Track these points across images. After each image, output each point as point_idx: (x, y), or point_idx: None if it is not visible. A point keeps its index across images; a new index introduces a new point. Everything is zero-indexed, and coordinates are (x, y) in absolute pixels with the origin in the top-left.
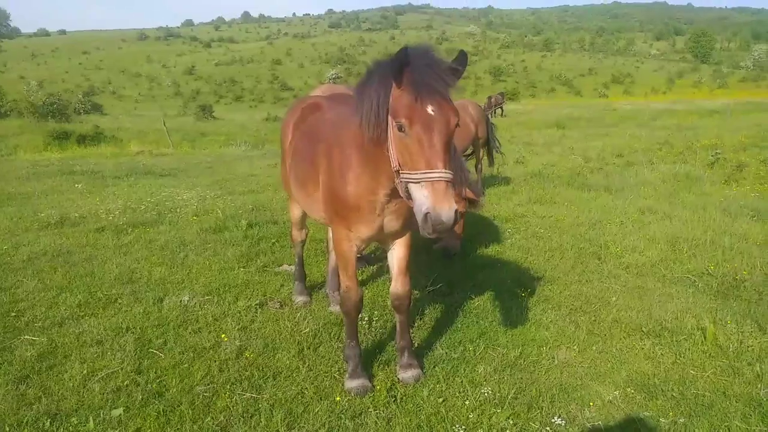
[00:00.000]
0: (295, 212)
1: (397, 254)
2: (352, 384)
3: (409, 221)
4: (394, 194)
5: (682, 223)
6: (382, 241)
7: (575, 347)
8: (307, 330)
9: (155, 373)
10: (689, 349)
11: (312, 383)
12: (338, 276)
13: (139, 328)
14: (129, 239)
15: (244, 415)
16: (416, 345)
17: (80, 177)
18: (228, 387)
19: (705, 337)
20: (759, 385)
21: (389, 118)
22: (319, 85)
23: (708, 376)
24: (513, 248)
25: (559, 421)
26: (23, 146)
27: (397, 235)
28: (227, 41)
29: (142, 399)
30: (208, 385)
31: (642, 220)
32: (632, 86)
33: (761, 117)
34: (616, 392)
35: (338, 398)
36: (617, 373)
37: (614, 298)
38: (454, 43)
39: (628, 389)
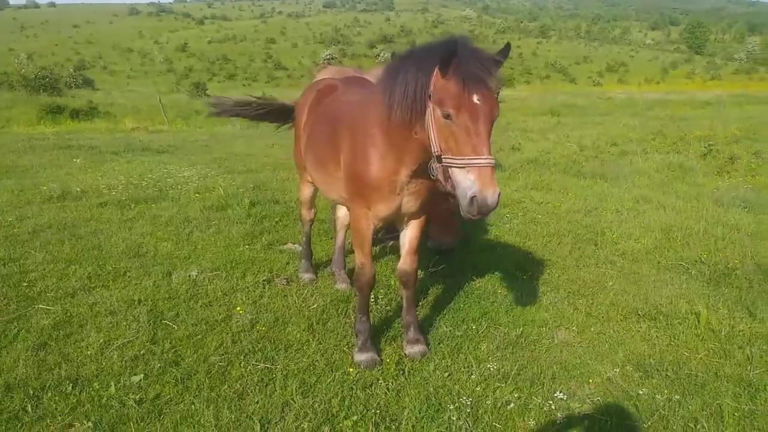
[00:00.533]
0: (306, 192)
1: (409, 234)
2: (361, 357)
3: (425, 203)
4: (415, 175)
5: (675, 212)
6: (397, 220)
7: (574, 328)
8: (315, 306)
9: (170, 343)
10: (683, 332)
11: (322, 356)
12: (344, 254)
13: (151, 301)
14: (133, 214)
15: (259, 384)
16: (421, 323)
17: (77, 152)
18: (242, 357)
19: (699, 321)
20: (748, 367)
21: (430, 104)
22: (327, 66)
23: (701, 357)
24: (511, 233)
25: (561, 396)
26: (16, 119)
27: (413, 215)
28: (220, 18)
29: (159, 367)
30: (222, 355)
31: (637, 209)
32: (626, 75)
33: (753, 109)
34: (615, 370)
35: (350, 370)
36: (614, 353)
37: (611, 283)
38: (449, 26)
39: (626, 368)
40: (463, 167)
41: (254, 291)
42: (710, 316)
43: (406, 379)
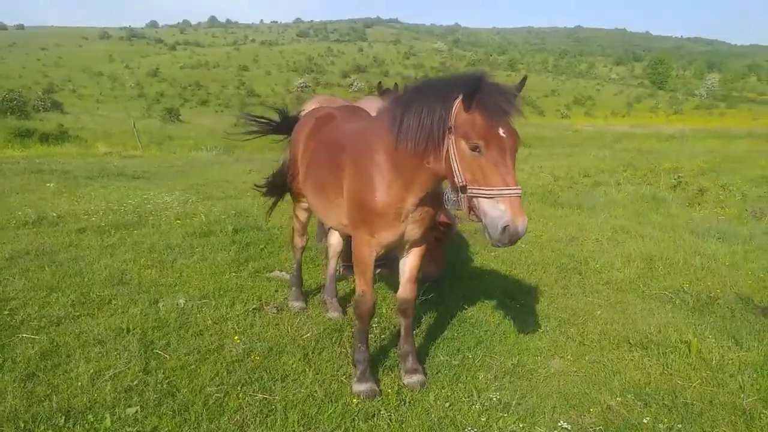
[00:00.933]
0: (300, 218)
1: (410, 262)
2: (360, 387)
3: (427, 230)
4: (420, 203)
5: (654, 242)
6: (399, 248)
7: (569, 357)
8: (309, 335)
9: (163, 373)
10: (675, 361)
11: (321, 386)
12: (336, 282)
13: (140, 330)
14: (113, 240)
15: (259, 415)
16: (417, 352)
17: (49, 176)
18: (239, 388)
19: (690, 350)
20: (741, 395)
21: (451, 136)
22: (316, 95)
23: (695, 386)
24: (497, 261)
25: (565, 425)
26: None
27: (415, 243)
28: (193, 44)
29: (155, 399)
30: (219, 386)
31: (616, 238)
32: (593, 108)
33: (715, 143)
34: (614, 399)
35: (354, 400)
36: (611, 381)
37: (598, 312)
38: (421, 58)
39: (625, 396)
40: (492, 197)
41: (245, 320)
42: (701, 345)
43: (407, 409)
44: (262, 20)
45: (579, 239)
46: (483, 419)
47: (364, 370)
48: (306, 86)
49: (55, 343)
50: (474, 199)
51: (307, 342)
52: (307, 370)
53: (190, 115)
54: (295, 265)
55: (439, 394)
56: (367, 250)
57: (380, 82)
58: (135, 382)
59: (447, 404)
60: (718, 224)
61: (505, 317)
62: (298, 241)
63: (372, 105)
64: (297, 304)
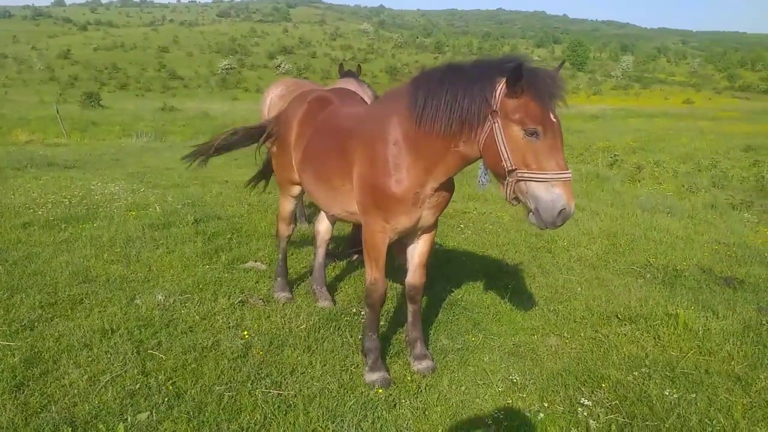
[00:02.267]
0: (287, 207)
1: (420, 248)
2: (373, 377)
3: (438, 215)
4: (440, 188)
5: (610, 219)
6: (411, 234)
7: (565, 334)
8: (305, 326)
9: (164, 374)
10: (665, 333)
11: (332, 377)
12: (324, 270)
13: (125, 329)
14: (66, 235)
15: (279, 411)
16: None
17: None
18: (249, 385)
19: (677, 322)
20: (732, 363)
21: (497, 119)
22: (280, 80)
23: (689, 356)
24: (468, 243)
25: (586, 402)
26: None
27: (427, 228)
28: (106, 25)
29: (164, 402)
30: (227, 384)
31: (574, 216)
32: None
33: (638, 122)
34: (619, 374)
35: (379, 390)
36: (610, 356)
37: (579, 289)
38: (348, 39)
39: (629, 370)
40: (547, 182)
41: (233, 314)
42: (687, 317)
43: (426, 396)
44: (179, 0)
45: None
46: (503, 401)
47: (376, 358)
48: (231, 68)
49: (35, 349)
50: (523, 183)
51: (305, 333)
52: (313, 362)
53: (111, 100)
54: (280, 255)
55: (452, 378)
56: (381, 237)
57: (341, 64)
58: (137, 386)
59: (462, 388)
60: (665, 200)
61: (494, 298)
62: (284, 230)
63: (347, 87)
64: (283, 295)
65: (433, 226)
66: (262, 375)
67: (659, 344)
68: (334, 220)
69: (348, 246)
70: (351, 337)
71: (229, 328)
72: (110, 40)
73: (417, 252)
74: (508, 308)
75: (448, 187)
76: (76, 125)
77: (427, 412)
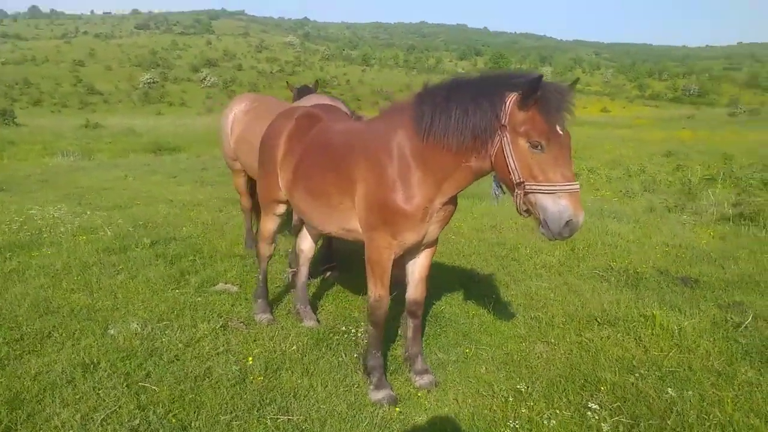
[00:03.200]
0: (270, 227)
1: (421, 262)
2: (379, 395)
3: (442, 229)
4: (448, 203)
5: None
6: (415, 248)
7: (551, 340)
8: (296, 347)
9: (162, 408)
10: (644, 334)
11: (338, 399)
12: (306, 290)
13: (107, 362)
14: (14, 264)
15: None
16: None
17: None
18: (255, 412)
19: (654, 323)
20: (711, 359)
21: (505, 134)
22: (242, 95)
23: (671, 355)
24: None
25: (594, 406)
26: None
27: (430, 243)
28: (13, 37)
29: None
30: (232, 413)
31: (528, 224)
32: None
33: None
34: (613, 376)
35: (396, 409)
36: (598, 359)
37: (552, 295)
38: (273, 52)
39: (621, 372)
40: (554, 193)
41: (218, 339)
42: (662, 318)
43: (438, 410)
44: (93, 11)
45: (497, 227)
46: (513, 411)
47: (381, 376)
48: (154, 82)
49: (12, 390)
50: (531, 195)
51: (299, 355)
52: (314, 384)
53: (25, 117)
54: (260, 276)
55: (457, 392)
56: (387, 253)
57: (288, 82)
58: (136, 421)
59: (469, 400)
60: (608, 205)
61: (476, 308)
62: (266, 250)
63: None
64: (265, 317)
65: (436, 241)
66: (266, 401)
67: (641, 345)
68: (317, 238)
69: (320, 264)
70: (345, 356)
71: (218, 354)
72: (19, 54)
73: (418, 266)
74: (491, 318)
75: (453, 200)
76: None
77: (441, 427)
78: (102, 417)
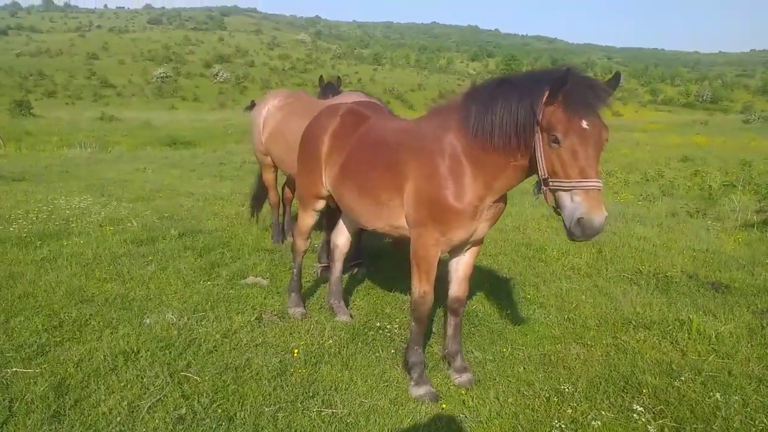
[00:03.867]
0: (309, 222)
1: (466, 260)
2: (420, 391)
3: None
4: (497, 201)
5: None
6: (461, 246)
7: (587, 342)
8: (331, 341)
9: (207, 398)
10: (682, 338)
11: (379, 394)
12: (341, 285)
13: (147, 351)
14: (45, 253)
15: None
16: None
17: None
18: (299, 404)
19: (691, 327)
20: (750, 365)
21: (538, 130)
22: (275, 91)
23: (710, 360)
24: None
25: (639, 408)
26: None
27: (477, 242)
28: (28, 30)
29: (217, 427)
30: (276, 405)
31: (551, 225)
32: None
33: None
34: (654, 379)
35: (445, 406)
36: (636, 362)
37: (583, 297)
38: (285, 49)
39: (661, 375)
40: (570, 190)
41: (253, 331)
42: (698, 322)
43: (480, 409)
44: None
45: (521, 228)
46: (556, 411)
47: (422, 373)
48: (167, 76)
49: (57, 376)
50: (554, 192)
51: (336, 349)
52: (354, 378)
53: (40, 108)
54: (295, 270)
55: (498, 390)
56: (434, 250)
57: (321, 77)
58: (183, 410)
59: (510, 399)
60: (632, 209)
61: (508, 308)
62: (302, 245)
63: (351, 99)
64: (298, 311)
65: (482, 240)
66: (309, 394)
67: (677, 349)
68: (354, 233)
69: (349, 260)
70: (382, 351)
71: (255, 346)
72: (34, 46)
73: (462, 264)
74: (525, 317)
75: (503, 198)
76: (10, 135)
77: (486, 426)
78: (148, 405)
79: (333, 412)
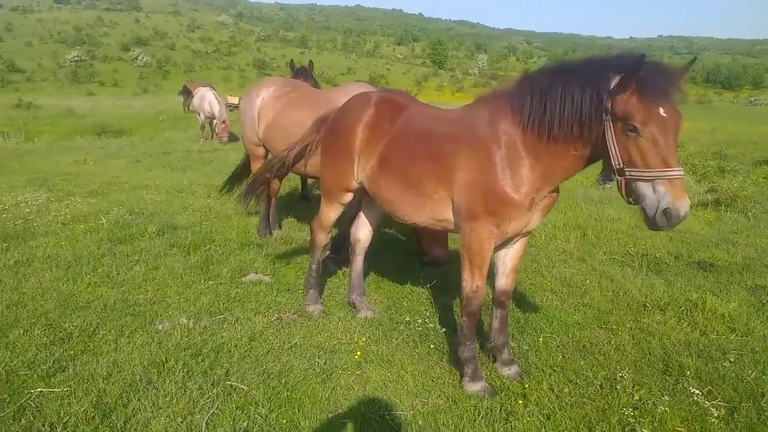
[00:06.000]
0: (332, 216)
1: (515, 252)
2: (476, 387)
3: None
4: (551, 191)
5: (562, 212)
6: (512, 237)
7: (612, 326)
8: (365, 339)
9: (264, 408)
10: (699, 318)
11: (435, 391)
12: (363, 280)
13: (175, 360)
14: (16, 256)
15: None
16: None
17: None
18: (360, 409)
19: (705, 307)
20: None
21: (607, 117)
22: (268, 78)
23: (732, 339)
24: (453, 240)
25: (695, 391)
26: None
27: (527, 233)
28: None
29: None
30: (334, 411)
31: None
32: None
33: None
34: (688, 360)
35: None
36: (665, 344)
37: (587, 281)
38: (207, 31)
39: (691, 356)
40: (652, 180)
41: (280, 333)
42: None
43: (539, 402)
44: None
45: None
46: (619, 399)
47: (476, 368)
48: (81, 60)
49: (92, 393)
50: (632, 182)
51: (373, 347)
52: (404, 375)
53: None
54: (313, 266)
55: (552, 382)
56: (488, 243)
57: (292, 60)
58: (244, 423)
59: (566, 389)
60: (597, 193)
61: (522, 295)
62: (322, 239)
63: (360, 88)
64: (317, 308)
65: (533, 229)
66: (369, 397)
67: (697, 329)
68: (377, 226)
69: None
70: (420, 347)
71: (289, 348)
72: None
73: (511, 256)
74: (544, 305)
75: (556, 188)
76: None
77: (551, 419)
78: (205, 420)
79: (403, 416)
